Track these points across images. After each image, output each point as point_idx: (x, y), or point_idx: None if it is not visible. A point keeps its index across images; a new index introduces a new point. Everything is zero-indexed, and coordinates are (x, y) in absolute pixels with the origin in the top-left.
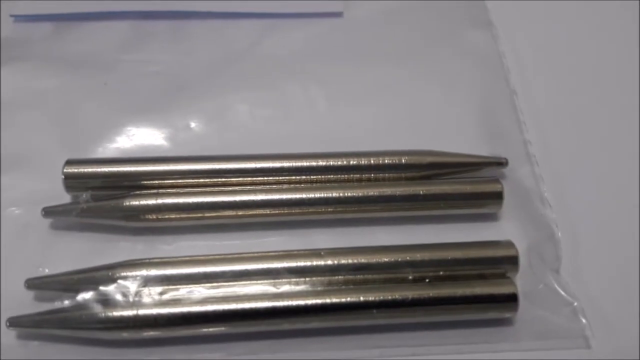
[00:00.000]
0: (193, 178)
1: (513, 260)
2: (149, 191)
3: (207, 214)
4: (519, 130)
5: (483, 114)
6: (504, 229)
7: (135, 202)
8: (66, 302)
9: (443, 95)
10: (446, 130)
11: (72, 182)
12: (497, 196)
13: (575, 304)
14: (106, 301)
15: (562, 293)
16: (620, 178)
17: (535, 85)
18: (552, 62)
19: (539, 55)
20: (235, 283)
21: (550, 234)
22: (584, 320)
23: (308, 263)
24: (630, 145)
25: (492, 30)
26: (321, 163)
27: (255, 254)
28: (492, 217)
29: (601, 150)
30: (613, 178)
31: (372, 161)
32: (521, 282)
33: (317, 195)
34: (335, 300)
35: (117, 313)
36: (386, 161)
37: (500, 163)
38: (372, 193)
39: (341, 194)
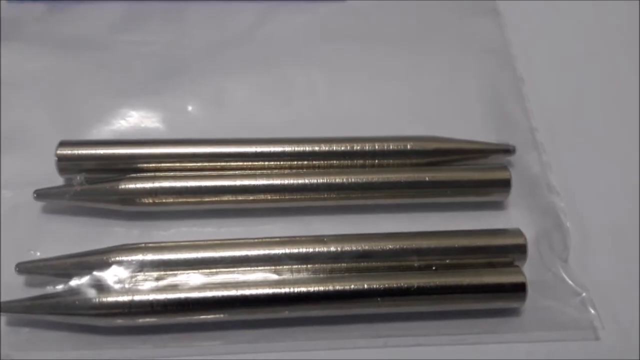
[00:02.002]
0: (191, 161)
1: (521, 249)
2: (145, 174)
3: (205, 199)
4: (526, 117)
5: (490, 102)
6: (511, 217)
7: (131, 185)
8: (59, 287)
9: (450, 82)
10: (453, 117)
11: (65, 164)
12: (505, 184)
13: (584, 294)
14: (100, 286)
15: (571, 283)
16: (628, 166)
17: (542, 73)
18: (559, 50)
19: (546, 43)
20: (235, 269)
21: (559, 223)
22: (592, 311)
23: (310, 249)
24: (638, 133)
25: (499, 18)
26: (324, 148)
27: (256, 240)
28: (499, 205)
29: (608, 138)
30: (620, 166)
31: (376, 147)
32: (528, 271)
33: (320, 180)
34: (338, 287)
35: (111, 299)
36: (391, 147)
37: (508, 150)
38: (376, 179)
39: (344, 180)
